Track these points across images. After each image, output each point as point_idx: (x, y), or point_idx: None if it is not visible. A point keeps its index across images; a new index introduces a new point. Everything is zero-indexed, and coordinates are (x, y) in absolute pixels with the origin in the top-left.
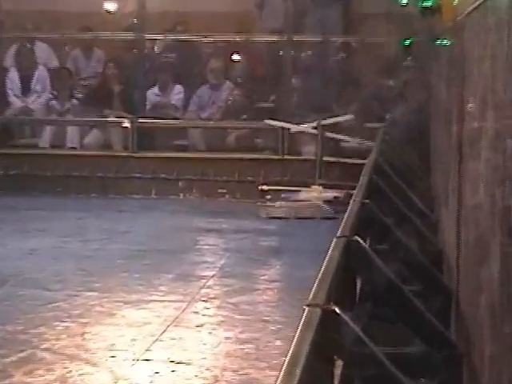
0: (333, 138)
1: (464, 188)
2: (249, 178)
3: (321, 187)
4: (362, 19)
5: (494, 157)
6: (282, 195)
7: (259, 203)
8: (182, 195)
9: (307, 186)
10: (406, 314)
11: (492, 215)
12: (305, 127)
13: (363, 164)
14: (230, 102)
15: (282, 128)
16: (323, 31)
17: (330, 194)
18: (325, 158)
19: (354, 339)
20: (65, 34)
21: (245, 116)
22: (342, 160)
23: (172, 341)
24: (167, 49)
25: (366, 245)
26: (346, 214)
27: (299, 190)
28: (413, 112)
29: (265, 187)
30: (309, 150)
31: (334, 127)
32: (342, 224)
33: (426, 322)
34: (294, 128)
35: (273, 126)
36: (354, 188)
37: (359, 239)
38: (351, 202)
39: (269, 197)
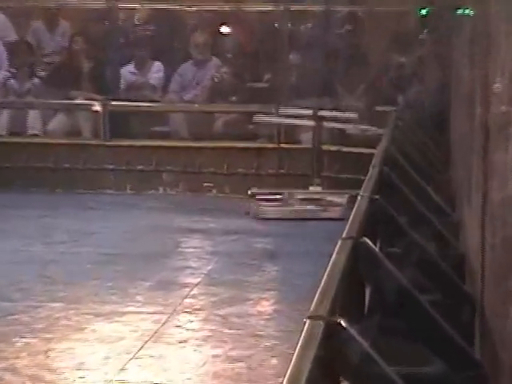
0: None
1: (490, 181)
2: (239, 170)
3: (320, 188)
4: None
5: None
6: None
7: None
8: (161, 190)
9: (305, 185)
10: (422, 327)
11: None
12: (300, 121)
13: (372, 154)
14: (217, 81)
15: (274, 123)
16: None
17: (330, 199)
18: (328, 148)
19: (363, 356)
20: (24, 3)
21: (235, 98)
22: (348, 149)
23: (150, 359)
24: (144, 20)
25: (375, 247)
26: (353, 212)
27: (292, 193)
28: (430, 93)
29: (255, 190)
30: (309, 138)
31: (337, 110)
32: (349, 223)
33: (445, 336)
34: (287, 122)
35: (263, 122)
36: (361, 182)
37: (368, 241)
38: (358, 197)
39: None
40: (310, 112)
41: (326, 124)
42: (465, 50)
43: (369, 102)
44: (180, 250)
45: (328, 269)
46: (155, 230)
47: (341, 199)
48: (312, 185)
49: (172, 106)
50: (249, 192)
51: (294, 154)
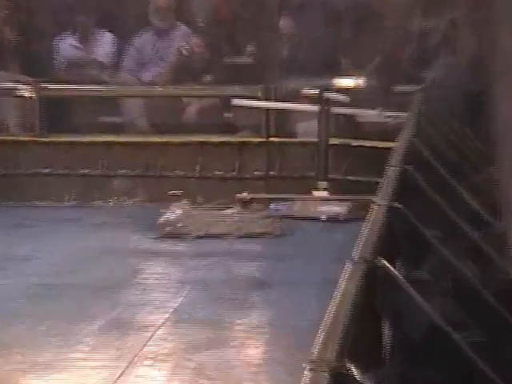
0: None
1: None
2: (216, 173)
3: (326, 193)
4: None
5: None
6: (271, 206)
7: None
8: (113, 200)
9: (307, 189)
10: (458, 374)
11: None
12: (300, 106)
13: (391, 148)
14: (185, 56)
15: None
16: None
17: (332, 208)
18: (333, 142)
19: None
20: None
21: (209, 77)
22: (359, 143)
23: None
24: None
25: (396, 272)
26: (367, 226)
27: (294, 199)
28: (465, 68)
29: (246, 195)
30: (307, 129)
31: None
32: (360, 241)
33: None
34: (279, 108)
35: (246, 107)
36: (376, 186)
37: (386, 263)
38: (373, 206)
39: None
40: (310, 93)
41: (333, 110)
42: (510, 13)
43: (385, 80)
44: (139, 279)
45: (334, 301)
46: (106, 254)
47: (339, 208)
48: (316, 189)
49: (127, 90)
50: (237, 196)
51: (288, 151)
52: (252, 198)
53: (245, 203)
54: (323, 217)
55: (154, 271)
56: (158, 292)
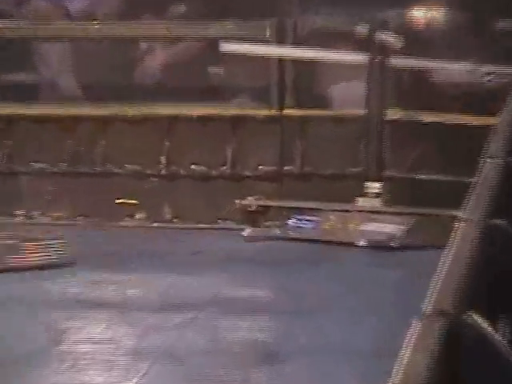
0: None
1: None
2: (194, 169)
3: (379, 200)
4: None
5: None
6: (290, 222)
7: None
8: (22, 215)
9: (347, 195)
10: None
11: None
12: (329, 54)
13: (489, 127)
14: None
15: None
16: None
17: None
18: (393, 116)
19: None
20: None
21: (182, 8)
22: (435, 118)
23: None
24: None
25: (495, 333)
26: (447, 256)
27: (325, 211)
28: None
29: (252, 202)
30: (347, 94)
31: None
32: (437, 282)
33: None
34: (297, 56)
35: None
36: (461, 190)
37: (479, 319)
38: (459, 223)
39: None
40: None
41: (392, 62)
42: None
43: (479, 12)
44: (65, 347)
45: (395, 380)
46: (12, 305)
47: (394, 227)
48: (363, 194)
49: (43, 27)
50: (238, 204)
51: (316, 131)
52: (261, 207)
53: (250, 215)
54: (361, 241)
55: (90, 334)
56: (96, 369)
